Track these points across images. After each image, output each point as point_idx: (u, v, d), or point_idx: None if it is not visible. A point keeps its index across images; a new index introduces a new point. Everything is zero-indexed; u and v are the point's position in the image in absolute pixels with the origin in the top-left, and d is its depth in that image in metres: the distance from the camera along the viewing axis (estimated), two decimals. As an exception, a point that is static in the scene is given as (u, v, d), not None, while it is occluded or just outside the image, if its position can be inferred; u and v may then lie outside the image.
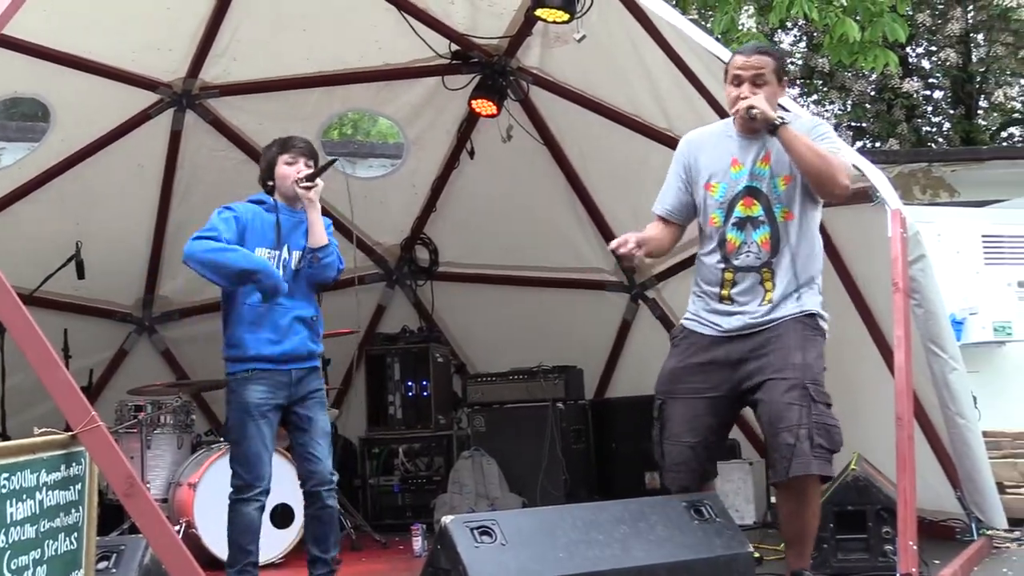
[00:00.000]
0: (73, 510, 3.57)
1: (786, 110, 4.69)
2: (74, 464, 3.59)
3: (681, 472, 4.59)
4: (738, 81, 4.50)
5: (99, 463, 3.59)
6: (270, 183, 5.06)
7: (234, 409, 4.89)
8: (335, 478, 5.01)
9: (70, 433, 3.56)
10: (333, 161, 5.10)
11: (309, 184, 4.93)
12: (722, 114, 5.28)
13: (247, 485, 4.78)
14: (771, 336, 4.42)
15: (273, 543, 6.38)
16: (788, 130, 4.36)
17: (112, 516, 6.26)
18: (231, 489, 4.82)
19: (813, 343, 4.43)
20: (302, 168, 4.99)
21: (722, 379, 4.51)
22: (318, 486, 4.92)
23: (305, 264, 4.98)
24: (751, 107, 4.38)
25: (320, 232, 4.95)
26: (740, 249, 4.51)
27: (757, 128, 4.46)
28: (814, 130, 4.52)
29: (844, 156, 4.54)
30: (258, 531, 4.83)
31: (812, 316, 4.47)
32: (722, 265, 4.55)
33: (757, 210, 4.48)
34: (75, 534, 3.58)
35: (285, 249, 4.95)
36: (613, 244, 4.59)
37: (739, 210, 4.51)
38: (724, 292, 4.54)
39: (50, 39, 6.57)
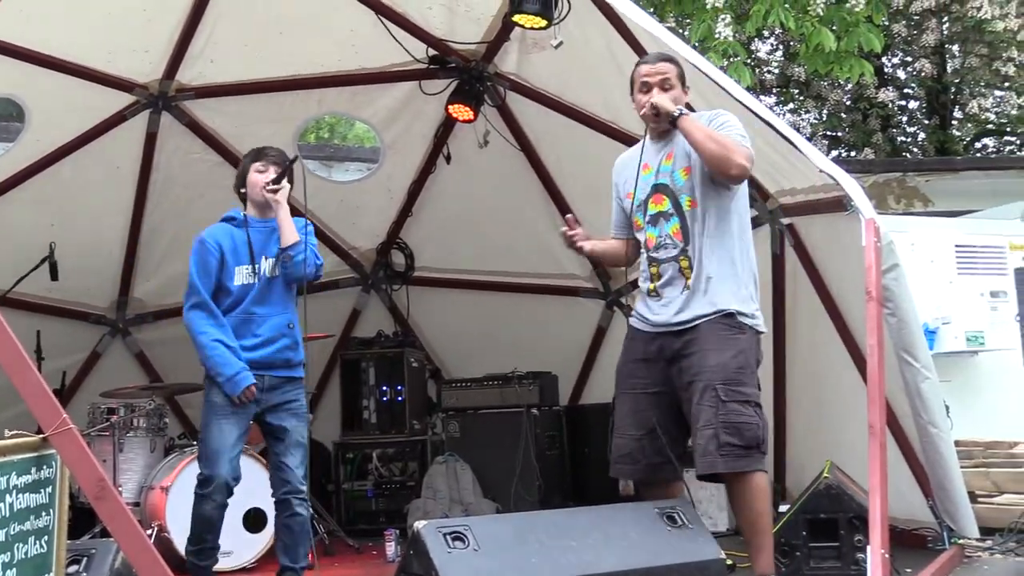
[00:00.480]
0: (43, 513, 3.56)
1: (692, 109, 4.91)
2: (45, 467, 3.58)
3: (626, 464, 4.78)
4: (646, 88, 4.79)
5: (70, 466, 3.57)
6: (243, 191, 5.22)
7: (205, 407, 5.05)
8: (305, 487, 5.06)
9: (41, 436, 3.54)
10: (295, 159, 5.23)
11: (275, 187, 5.07)
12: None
13: (206, 479, 4.94)
14: (692, 338, 4.63)
15: (245, 547, 6.38)
16: (686, 119, 4.64)
17: (83, 519, 6.22)
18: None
19: (731, 342, 4.62)
20: (272, 174, 5.14)
21: (660, 375, 4.74)
22: (289, 494, 5.00)
23: (280, 266, 5.09)
24: (652, 104, 4.68)
25: (289, 231, 5.07)
26: (658, 243, 4.79)
27: (662, 125, 4.74)
28: (714, 120, 4.75)
29: (746, 142, 4.68)
30: (216, 527, 5.00)
31: (730, 315, 4.65)
32: (648, 260, 4.83)
33: (666, 204, 4.77)
34: (45, 538, 3.56)
35: (262, 259, 5.09)
36: (565, 227, 4.95)
37: (651, 207, 4.81)
38: (651, 286, 4.80)
39: (26, 39, 6.53)
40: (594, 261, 8.01)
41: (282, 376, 5.08)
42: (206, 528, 4.99)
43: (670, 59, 4.89)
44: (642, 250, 4.89)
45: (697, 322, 4.63)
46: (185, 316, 5.07)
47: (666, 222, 4.75)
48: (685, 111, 4.68)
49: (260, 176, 5.14)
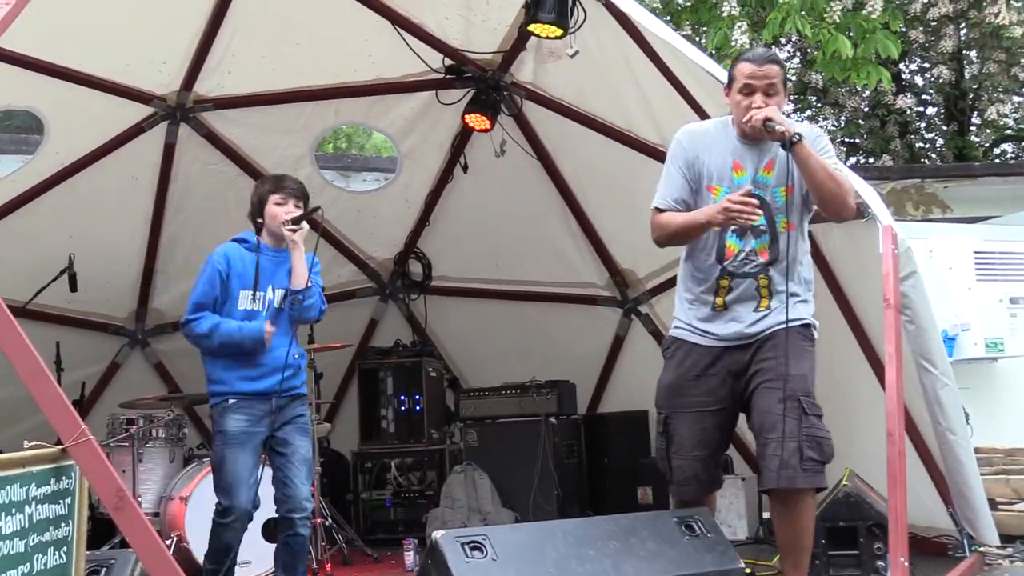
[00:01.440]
0: (63, 524, 3.58)
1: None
2: (64, 478, 3.60)
3: (691, 485, 4.59)
4: (749, 90, 4.42)
5: (89, 477, 3.59)
6: (259, 220, 5.17)
7: (216, 437, 5.02)
8: (310, 506, 5.06)
9: (60, 447, 3.56)
10: (317, 209, 5.14)
11: (295, 227, 5.03)
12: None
13: (225, 510, 4.89)
14: (767, 344, 4.42)
15: (263, 556, 6.35)
16: (805, 147, 4.30)
17: (103, 530, 6.25)
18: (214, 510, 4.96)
19: (807, 354, 4.45)
20: (291, 209, 5.08)
21: (725, 392, 4.51)
22: (291, 512, 4.96)
23: (287, 304, 5.07)
24: (769, 119, 4.32)
25: (302, 274, 5.03)
26: (738, 256, 4.49)
27: (769, 139, 4.41)
28: (816, 142, 4.47)
29: (846, 174, 4.53)
30: (233, 550, 4.95)
31: (807, 326, 4.49)
32: (718, 271, 4.51)
33: (759, 219, 4.39)
34: (64, 548, 3.58)
35: (270, 288, 5.07)
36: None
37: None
38: (719, 300, 4.51)
39: (44, 52, 6.56)
40: (608, 267, 8.02)
41: (287, 396, 5.06)
42: (224, 553, 4.94)
43: (777, 60, 4.56)
44: (705, 253, 4.54)
45: (774, 329, 4.42)
46: (183, 328, 5.09)
47: (755, 238, 4.46)
48: (802, 135, 4.31)
49: (280, 209, 5.07)
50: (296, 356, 5.09)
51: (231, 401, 4.96)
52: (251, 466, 4.92)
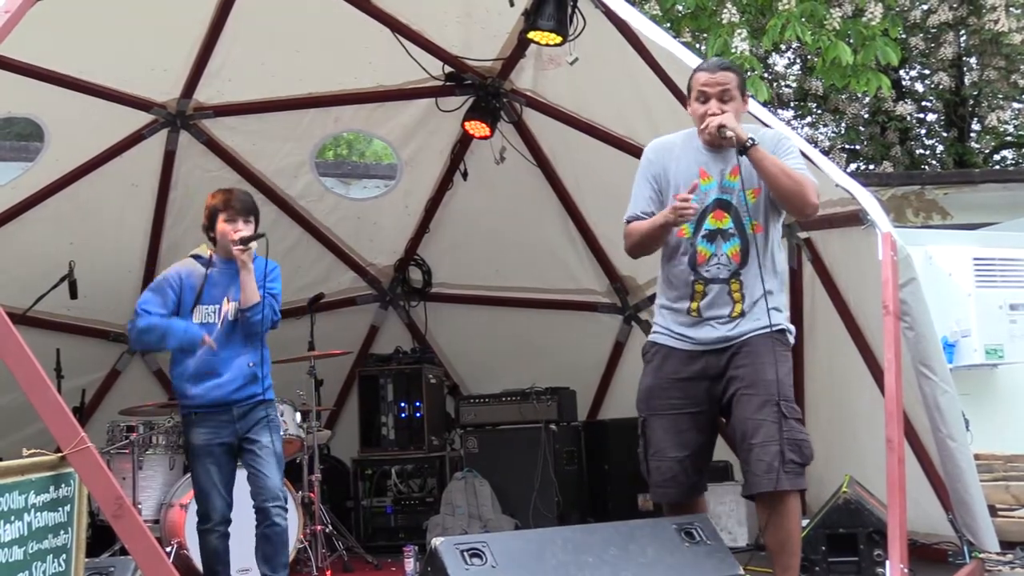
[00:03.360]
0: (62, 532, 3.58)
1: (763, 123, 4.80)
2: (63, 485, 3.60)
3: (670, 487, 4.64)
4: (704, 97, 4.57)
5: (88, 484, 3.59)
6: (211, 234, 5.31)
7: (187, 449, 5.30)
8: (283, 495, 5.15)
9: (59, 454, 3.56)
10: (261, 235, 5.24)
11: (242, 247, 5.15)
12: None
13: (201, 516, 5.17)
14: (744, 351, 4.50)
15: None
16: (759, 150, 4.45)
17: (104, 537, 6.24)
18: None
19: (783, 359, 4.54)
20: (240, 227, 5.21)
21: (702, 395, 4.59)
22: (265, 502, 5.08)
23: (239, 317, 5.21)
24: (722, 126, 4.45)
25: (249, 292, 5.17)
26: (710, 261, 4.58)
27: (726, 146, 4.52)
28: (779, 145, 4.59)
29: (809, 173, 4.62)
30: (224, 557, 5.17)
31: (782, 332, 4.58)
32: (692, 276, 4.60)
33: (727, 222, 4.55)
34: (63, 556, 3.58)
35: (225, 300, 5.21)
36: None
37: (709, 222, 4.58)
38: (693, 304, 4.60)
39: (44, 59, 6.57)
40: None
41: (249, 403, 5.18)
42: (215, 559, 5.15)
43: (731, 67, 4.68)
44: (678, 259, 4.64)
45: (749, 335, 4.50)
46: (128, 331, 5.33)
47: (725, 241, 4.56)
48: (757, 139, 4.46)
49: (228, 227, 5.20)
50: (251, 364, 5.18)
51: (194, 415, 5.17)
52: (218, 475, 5.13)
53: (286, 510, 5.15)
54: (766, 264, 4.55)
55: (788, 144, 4.63)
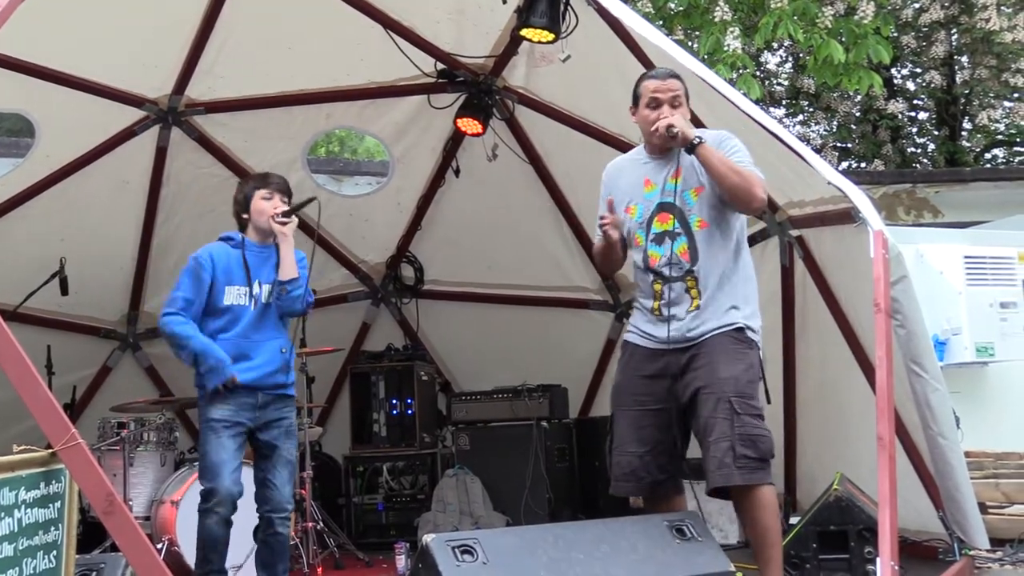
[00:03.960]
0: (52, 528, 3.57)
1: (702, 124, 4.98)
2: (54, 482, 3.59)
3: (628, 481, 4.74)
4: (656, 103, 4.73)
5: (79, 481, 3.58)
6: (244, 216, 5.26)
7: (202, 424, 5.08)
8: (291, 507, 5.11)
9: (50, 451, 3.55)
10: (311, 199, 5.29)
11: (284, 220, 5.13)
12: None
13: (208, 492, 4.91)
14: (701, 351, 4.61)
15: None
16: (706, 148, 4.58)
17: (94, 533, 6.23)
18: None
19: (741, 356, 4.62)
20: (278, 204, 5.19)
21: (664, 392, 4.68)
22: (272, 512, 5.03)
23: (274, 297, 5.15)
24: (671, 126, 4.60)
25: (290, 265, 5.12)
26: (662, 262, 4.72)
27: (674, 147, 4.68)
28: (722, 144, 4.70)
29: (756, 169, 4.70)
30: (221, 544, 4.96)
31: (740, 330, 4.66)
32: (650, 278, 4.76)
33: (672, 223, 4.71)
34: (54, 552, 3.57)
35: (257, 283, 5.13)
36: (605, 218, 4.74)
37: (656, 226, 4.75)
38: (655, 304, 4.74)
39: (35, 55, 6.56)
40: (602, 272, 8.02)
41: (274, 394, 5.11)
42: (211, 547, 4.94)
43: (678, 76, 4.85)
44: (639, 266, 4.83)
45: (707, 336, 4.61)
46: (160, 321, 5.13)
47: (672, 241, 4.69)
48: (704, 138, 4.61)
49: (267, 204, 5.17)
50: (284, 351, 5.15)
51: (220, 390, 4.99)
52: (234, 450, 4.97)
53: (289, 519, 5.11)
54: (719, 258, 4.68)
55: (732, 143, 4.74)
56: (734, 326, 4.64)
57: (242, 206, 5.26)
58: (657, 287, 4.73)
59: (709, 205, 4.69)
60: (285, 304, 5.13)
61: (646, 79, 4.85)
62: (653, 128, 4.69)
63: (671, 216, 4.71)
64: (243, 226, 5.26)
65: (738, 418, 4.45)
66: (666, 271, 4.70)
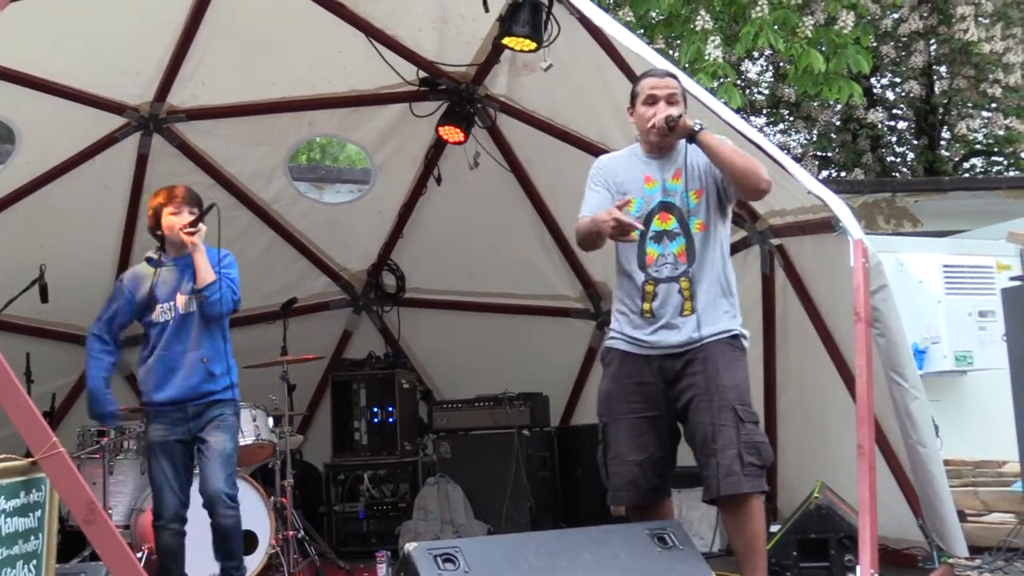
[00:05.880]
0: (32, 537, 3.55)
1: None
2: (34, 491, 3.58)
3: (629, 491, 4.69)
4: (653, 100, 4.70)
5: (59, 489, 3.57)
6: (159, 233, 5.50)
7: (144, 446, 5.50)
8: (225, 495, 5.26)
9: (30, 459, 3.54)
10: (212, 207, 5.42)
11: (192, 230, 5.32)
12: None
13: (156, 512, 5.35)
14: (699, 357, 4.56)
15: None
16: (707, 134, 4.56)
17: (74, 542, 6.20)
18: None
19: (738, 363, 4.61)
20: (186, 216, 5.40)
21: (659, 398, 4.65)
22: (206, 504, 5.29)
23: (195, 305, 5.34)
24: (669, 116, 4.57)
25: (204, 272, 5.30)
26: (658, 261, 4.68)
27: (673, 139, 4.65)
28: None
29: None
30: (178, 556, 5.34)
31: (736, 337, 4.65)
32: (643, 278, 4.70)
33: (672, 223, 4.67)
34: (34, 562, 3.56)
35: (177, 297, 5.38)
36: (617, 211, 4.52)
37: (656, 224, 4.70)
38: (646, 306, 4.68)
39: (16, 61, 6.54)
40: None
41: (204, 402, 5.32)
42: (169, 558, 5.30)
43: (675, 75, 4.84)
44: (630, 263, 4.73)
45: (704, 342, 4.56)
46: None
47: (671, 241, 4.66)
48: (704, 124, 4.60)
49: (175, 219, 5.39)
50: (205, 360, 5.31)
51: (151, 412, 5.37)
52: (172, 471, 5.31)
53: (234, 506, 5.27)
54: (715, 262, 4.66)
55: (724, 138, 4.73)
56: (731, 333, 4.63)
57: (154, 222, 5.51)
58: (649, 287, 4.67)
59: (706, 208, 4.68)
60: (207, 309, 5.30)
61: (643, 78, 4.83)
62: (650, 124, 4.66)
63: (671, 216, 4.68)
64: (160, 241, 5.52)
65: (743, 426, 4.44)
66: (660, 272, 4.66)
